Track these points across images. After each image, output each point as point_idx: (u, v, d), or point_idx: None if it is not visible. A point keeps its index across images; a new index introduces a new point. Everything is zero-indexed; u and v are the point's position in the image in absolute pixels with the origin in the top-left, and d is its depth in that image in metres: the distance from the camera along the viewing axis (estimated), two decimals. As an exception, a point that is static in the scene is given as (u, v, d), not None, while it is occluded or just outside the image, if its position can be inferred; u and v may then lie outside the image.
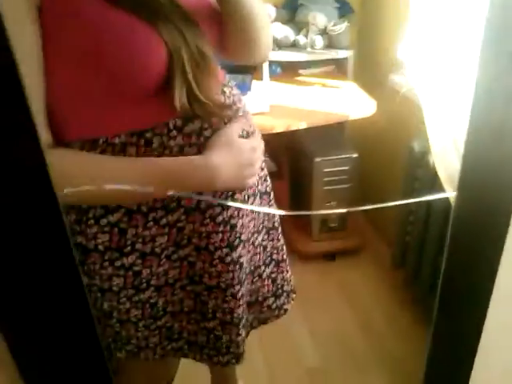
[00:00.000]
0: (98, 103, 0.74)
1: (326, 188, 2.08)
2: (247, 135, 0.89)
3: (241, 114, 0.89)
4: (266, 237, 1.05)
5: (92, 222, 0.81)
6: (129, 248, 0.83)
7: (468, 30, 1.21)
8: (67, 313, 0.49)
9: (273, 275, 1.09)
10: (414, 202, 1.75)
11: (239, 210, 0.90)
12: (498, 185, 0.47)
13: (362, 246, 2.24)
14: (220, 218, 0.87)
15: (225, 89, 0.88)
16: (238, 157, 0.82)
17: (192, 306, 0.95)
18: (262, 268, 1.06)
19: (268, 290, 1.09)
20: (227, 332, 0.99)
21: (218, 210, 0.86)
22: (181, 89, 0.74)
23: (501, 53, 0.42)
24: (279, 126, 1.77)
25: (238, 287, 0.95)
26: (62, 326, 0.50)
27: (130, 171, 0.75)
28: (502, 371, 0.66)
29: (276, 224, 1.08)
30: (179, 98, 0.74)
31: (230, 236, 0.89)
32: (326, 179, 2.06)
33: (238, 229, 0.90)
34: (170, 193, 0.78)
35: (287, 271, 1.14)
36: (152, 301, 0.90)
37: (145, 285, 0.88)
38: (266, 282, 1.08)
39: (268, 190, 1.03)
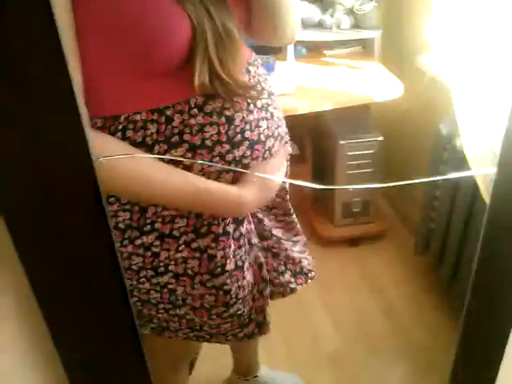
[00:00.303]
0: (120, 79, 0.73)
1: (349, 172, 2.04)
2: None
3: (265, 95, 0.87)
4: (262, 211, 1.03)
5: (113, 199, 0.81)
6: (148, 227, 0.83)
7: (501, 10, 1.16)
8: (101, 281, 0.50)
9: (274, 250, 1.06)
10: (439, 188, 1.71)
11: None
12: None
13: (385, 232, 2.20)
14: None
15: (250, 68, 0.86)
16: (267, 193, 0.89)
17: (213, 301, 0.92)
18: (257, 240, 1.03)
19: (268, 263, 1.06)
20: (247, 304, 0.98)
21: None
22: (202, 65, 0.73)
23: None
24: (303, 107, 1.74)
25: (246, 258, 0.94)
26: (95, 293, 0.50)
27: (169, 180, 0.78)
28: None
29: (270, 205, 1.05)
30: (199, 75, 0.73)
31: None
32: (350, 163, 2.02)
33: None
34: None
35: (292, 250, 1.11)
36: (170, 287, 0.89)
37: (163, 268, 0.87)
38: (264, 254, 1.05)
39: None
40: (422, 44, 1.83)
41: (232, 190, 0.82)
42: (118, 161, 0.74)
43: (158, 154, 0.77)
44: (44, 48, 0.37)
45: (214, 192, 0.80)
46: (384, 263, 2.08)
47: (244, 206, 0.84)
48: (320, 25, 2.00)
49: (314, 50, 2.10)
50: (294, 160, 2.28)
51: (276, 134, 0.89)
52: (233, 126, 0.80)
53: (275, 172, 0.89)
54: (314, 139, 2.17)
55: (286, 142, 0.98)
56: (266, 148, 0.86)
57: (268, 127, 0.86)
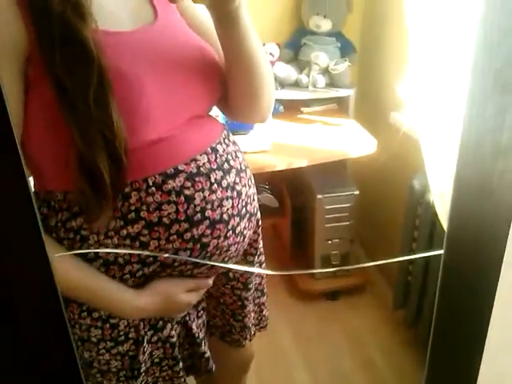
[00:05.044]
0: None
1: (327, 225, 2.07)
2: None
3: (233, 173, 0.87)
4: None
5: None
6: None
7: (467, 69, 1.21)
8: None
9: None
10: (415, 241, 1.74)
11: None
12: (486, 242, 0.46)
13: (364, 285, 2.21)
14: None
15: (218, 146, 0.86)
16: (169, 307, 0.88)
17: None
18: None
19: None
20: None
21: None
22: None
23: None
24: (280, 163, 1.78)
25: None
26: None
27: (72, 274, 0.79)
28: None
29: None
30: None
31: None
32: (328, 216, 2.05)
33: None
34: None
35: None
36: (131, 353, 0.90)
37: (123, 337, 0.88)
38: None
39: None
40: (395, 101, 1.90)
41: (128, 294, 0.83)
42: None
43: (114, 228, 0.77)
44: None
45: (111, 291, 0.81)
46: (363, 317, 2.08)
47: (138, 311, 0.85)
48: (297, 84, 2.07)
49: (291, 107, 2.16)
50: (274, 213, 2.28)
51: (243, 213, 0.88)
52: (192, 205, 0.79)
53: (178, 290, 0.88)
54: (292, 193, 2.21)
55: (258, 220, 0.99)
56: (229, 227, 0.85)
57: (233, 206, 0.85)
